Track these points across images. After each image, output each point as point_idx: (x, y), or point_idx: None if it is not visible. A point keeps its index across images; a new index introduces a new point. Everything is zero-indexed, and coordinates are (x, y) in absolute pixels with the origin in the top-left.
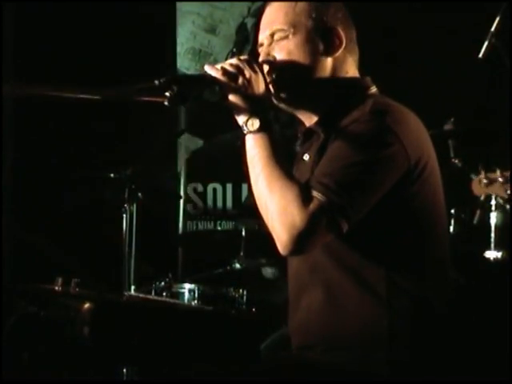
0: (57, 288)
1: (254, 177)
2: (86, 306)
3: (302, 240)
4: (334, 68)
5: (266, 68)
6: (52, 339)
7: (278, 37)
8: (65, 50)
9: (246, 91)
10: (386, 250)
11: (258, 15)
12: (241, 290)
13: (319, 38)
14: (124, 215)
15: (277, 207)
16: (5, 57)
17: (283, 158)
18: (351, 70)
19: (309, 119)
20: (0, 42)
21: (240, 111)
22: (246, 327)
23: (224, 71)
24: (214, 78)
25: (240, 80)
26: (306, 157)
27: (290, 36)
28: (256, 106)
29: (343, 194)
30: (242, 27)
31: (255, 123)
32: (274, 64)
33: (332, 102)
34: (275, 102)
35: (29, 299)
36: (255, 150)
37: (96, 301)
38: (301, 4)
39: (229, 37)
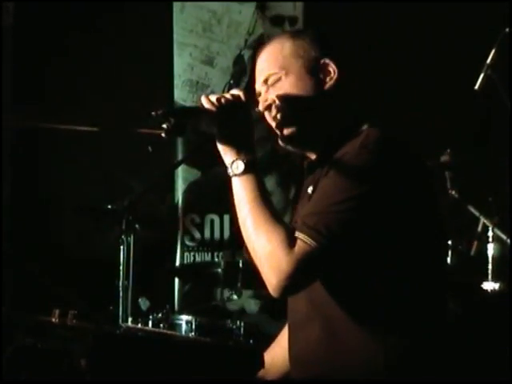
0: (54, 320)
1: (241, 220)
2: (84, 337)
3: (290, 283)
4: (329, 101)
5: (268, 113)
6: (49, 371)
7: (272, 81)
8: (64, 82)
9: (236, 128)
10: (381, 286)
11: (255, 52)
12: (238, 322)
13: (312, 74)
14: (121, 247)
15: (264, 251)
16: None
17: (269, 200)
18: (346, 102)
19: (312, 153)
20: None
21: (226, 152)
22: (243, 358)
23: (218, 105)
24: (208, 111)
25: (232, 117)
26: (310, 189)
27: (283, 78)
28: (242, 146)
29: (327, 234)
30: (238, 59)
31: (240, 166)
32: (274, 106)
33: (330, 136)
34: (281, 143)
35: (26, 331)
36: (241, 194)
37: (93, 333)
38: (287, 46)
39: (226, 69)
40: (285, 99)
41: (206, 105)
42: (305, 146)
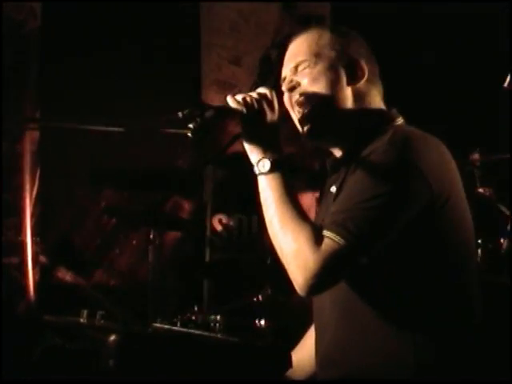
0: (82, 320)
1: (267, 219)
2: (112, 338)
3: (316, 281)
4: (357, 98)
5: (289, 96)
6: (77, 371)
7: (302, 67)
8: (90, 82)
9: (262, 127)
10: (409, 284)
11: (282, 51)
12: (267, 321)
13: (342, 67)
14: (150, 247)
15: (290, 250)
16: (29, 83)
17: (295, 198)
18: (375, 101)
19: (336, 151)
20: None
21: (253, 151)
22: (271, 358)
23: (244, 104)
24: (235, 110)
25: (258, 115)
26: (333, 189)
27: (313, 65)
28: (268, 145)
29: (356, 232)
30: (265, 58)
31: (266, 164)
32: (297, 89)
33: (356, 134)
34: (303, 136)
35: (55, 331)
36: (268, 192)
37: (121, 333)
38: (324, 37)
39: (253, 68)
40: (310, 87)
41: (232, 104)
42: (328, 141)
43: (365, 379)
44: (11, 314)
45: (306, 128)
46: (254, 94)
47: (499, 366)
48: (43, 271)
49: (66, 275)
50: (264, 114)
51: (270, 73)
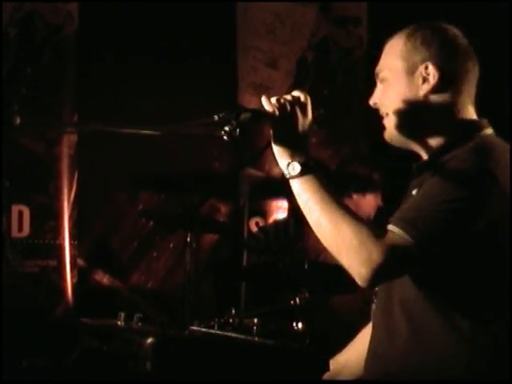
0: (119, 323)
1: (313, 221)
2: (149, 340)
3: (379, 273)
4: (444, 104)
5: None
6: (115, 374)
7: (380, 78)
8: (126, 85)
9: (293, 131)
10: (471, 284)
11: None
12: (304, 324)
13: (426, 74)
14: (187, 250)
15: (351, 245)
16: (67, 86)
17: (337, 196)
18: (464, 107)
19: (423, 154)
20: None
21: (282, 154)
22: (308, 362)
23: (277, 107)
24: (270, 113)
25: (291, 119)
26: (415, 192)
27: (389, 77)
28: (297, 148)
29: (424, 231)
30: (302, 61)
31: (296, 167)
32: (379, 105)
33: (443, 140)
34: (387, 140)
35: (92, 334)
36: (306, 195)
37: (158, 335)
38: (400, 45)
39: (289, 71)
40: (390, 99)
41: (267, 107)
42: (410, 146)
43: (415, 376)
44: (49, 316)
45: (387, 134)
46: (288, 97)
47: None
48: (81, 274)
49: (103, 278)
50: (296, 118)
51: (307, 75)
